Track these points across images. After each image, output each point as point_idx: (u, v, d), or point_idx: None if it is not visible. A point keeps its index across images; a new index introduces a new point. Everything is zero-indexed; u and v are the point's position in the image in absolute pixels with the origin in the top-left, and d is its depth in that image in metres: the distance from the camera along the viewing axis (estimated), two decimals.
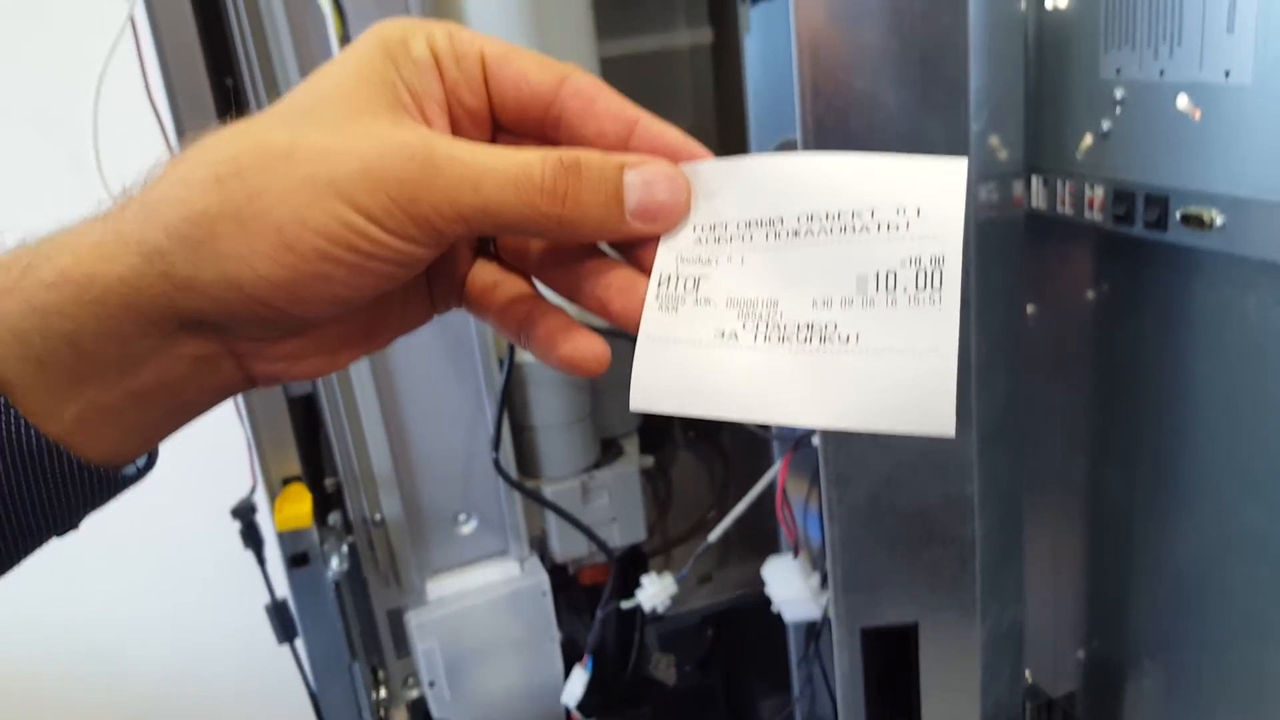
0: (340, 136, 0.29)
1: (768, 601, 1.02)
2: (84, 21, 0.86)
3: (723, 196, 0.32)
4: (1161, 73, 0.62)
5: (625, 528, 1.01)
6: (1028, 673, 0.89)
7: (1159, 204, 0.63)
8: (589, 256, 0.35)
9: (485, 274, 0.36)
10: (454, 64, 0.33)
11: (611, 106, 0.34)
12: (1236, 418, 0.67)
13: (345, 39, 0.78)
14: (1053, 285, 0.78)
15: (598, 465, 1.00)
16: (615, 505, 1.00)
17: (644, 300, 0.33)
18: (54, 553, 0.33)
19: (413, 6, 0.81)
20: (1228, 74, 0.58)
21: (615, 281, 0.34)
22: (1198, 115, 0.60)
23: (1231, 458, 0.69)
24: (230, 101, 0.83)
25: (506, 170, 0.30)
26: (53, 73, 1.02)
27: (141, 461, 0.33)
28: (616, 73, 0.99)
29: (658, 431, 1.14)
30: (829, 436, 0.69)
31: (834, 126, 0.60)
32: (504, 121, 0.34)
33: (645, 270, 0.34)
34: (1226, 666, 0.73)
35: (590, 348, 0.34)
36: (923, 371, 0.29)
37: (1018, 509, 0.81)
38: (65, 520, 0.32)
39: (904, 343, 0.29)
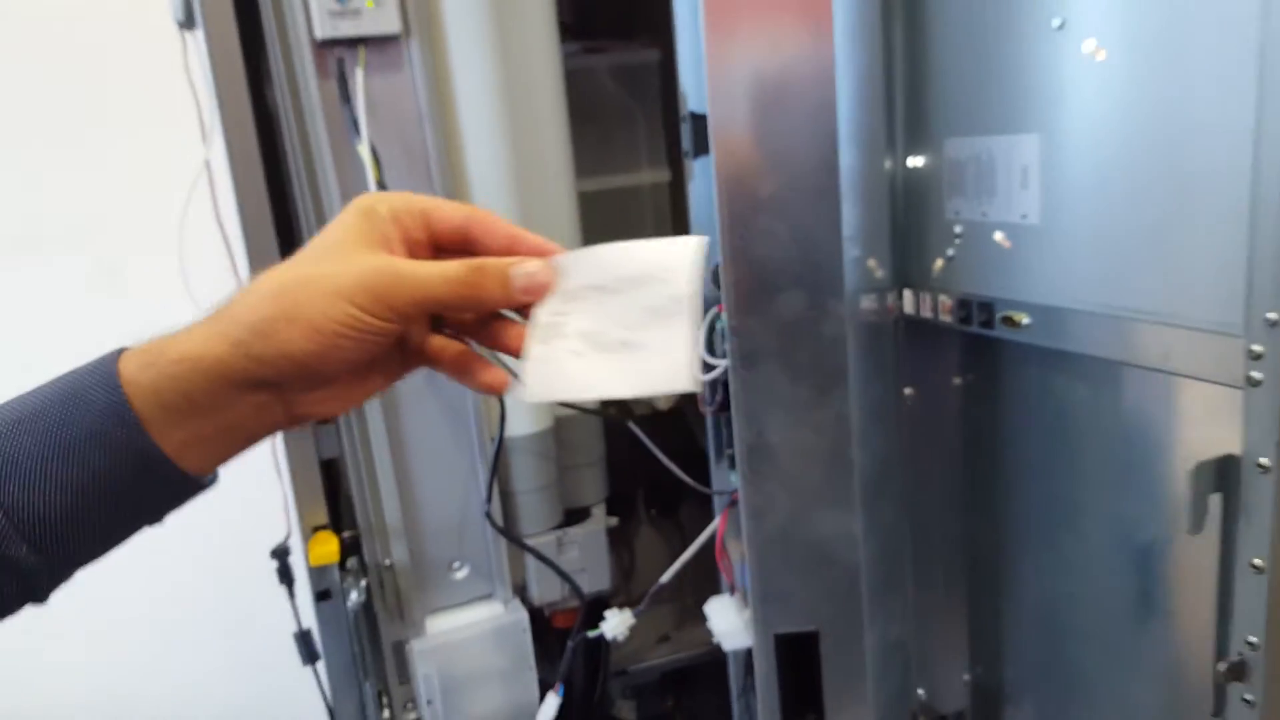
0: (343, 265, 0.50)
1: (722, 659, 1.19)
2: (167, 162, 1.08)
3: (572, 274, 0.54)
4: (984, 214, 0.84)
5: (593, 577, 1.18)
6: (922, 691, 1.07)
7: (987, 309, 0.85)
8: (498, 320, 0.56)
9: (438, 342, 0.56)
10: (406, 216, 0.53)
11: (500, 227, 0.55)
12: (1057, 476, 0.88)
13: (380, 179, 0.99)
14: (926, 373, 0.99)
15: (570, 524, 1.18)
16: (585, 557, 1.18)
17: (529, 338, 0.54)
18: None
19: (433, 162, 1.02)
20: (1024, 216, 0.80)
21: (514, 331, 0.55)
22: (1008, 245, 0.82)
23: (1057, 511, 0.89)
24: (286, 226, 1.04)
25: (442, 273, 0.51)
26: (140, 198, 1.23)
27: (211, 477, 0.53)
28: (591, 204, 1.21)
29: (623, 506, 1.33)
30: (747, 487, 0.88)
31: (745, 255, 0.81)
32: (441, 245, 0.55)
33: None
34: (1089, 692, 0.91)
35: (497, 377, 0.56)
36: (676, 359, 0.51)
37: (898, 544, 1.00)
38: (157, 514, 0.51)
39: (664, 347, 0.52)
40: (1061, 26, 0.73)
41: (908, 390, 0.99)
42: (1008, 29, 0.78)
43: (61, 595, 0.49)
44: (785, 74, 0.79)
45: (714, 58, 0.79)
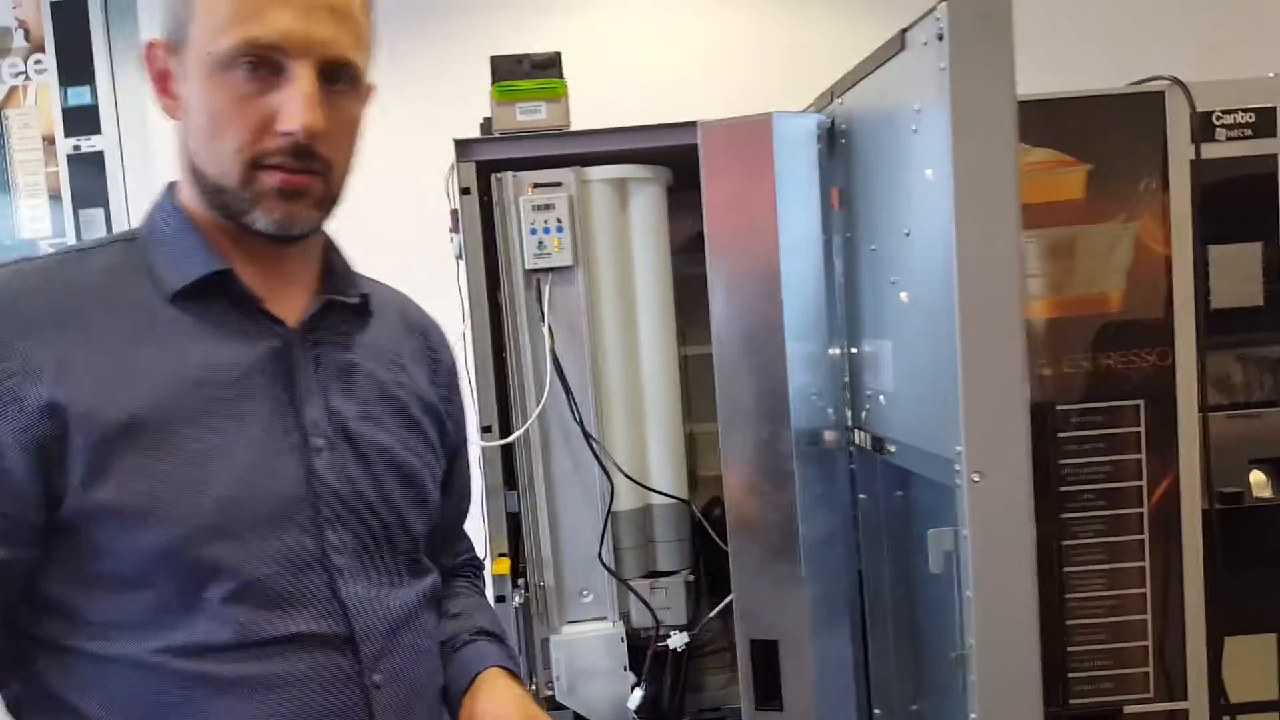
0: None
1: None
2: None
3: None
4: (876, 384, 1.32)
5: (674, 613, 1.68)
6: (879, 711, 1.48)
7: (880, 443, 1.32)
8: None
9: None
10: None
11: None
12: (915, 547, 1.31)
13: (553, 347, 1.59)
14: (871, 486, 1.44)
15: (662, 575, 1.69)
16: (669, 599, 1.68)
17: None
18: None
19: (584, 338, 1.62)
20: (882, 396, 1.28)
21: None
22: (883, 402, 1.30)
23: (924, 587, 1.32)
24: (501, 370, 1.66)
25: None
26: None
27: None
28: (694, 364, 1.77)
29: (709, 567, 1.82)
30: (733, 541, 1.36)
31: (733, 401, 1.33)
32: None
33: None
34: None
35: None
36: None
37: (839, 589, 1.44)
38: None
39: None
40: (894, 283, 1.23)
41: (862, 496, 1.45)
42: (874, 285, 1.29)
43: None
44: (753, 311, 1.32)
45: (717, 302, 1.34)
